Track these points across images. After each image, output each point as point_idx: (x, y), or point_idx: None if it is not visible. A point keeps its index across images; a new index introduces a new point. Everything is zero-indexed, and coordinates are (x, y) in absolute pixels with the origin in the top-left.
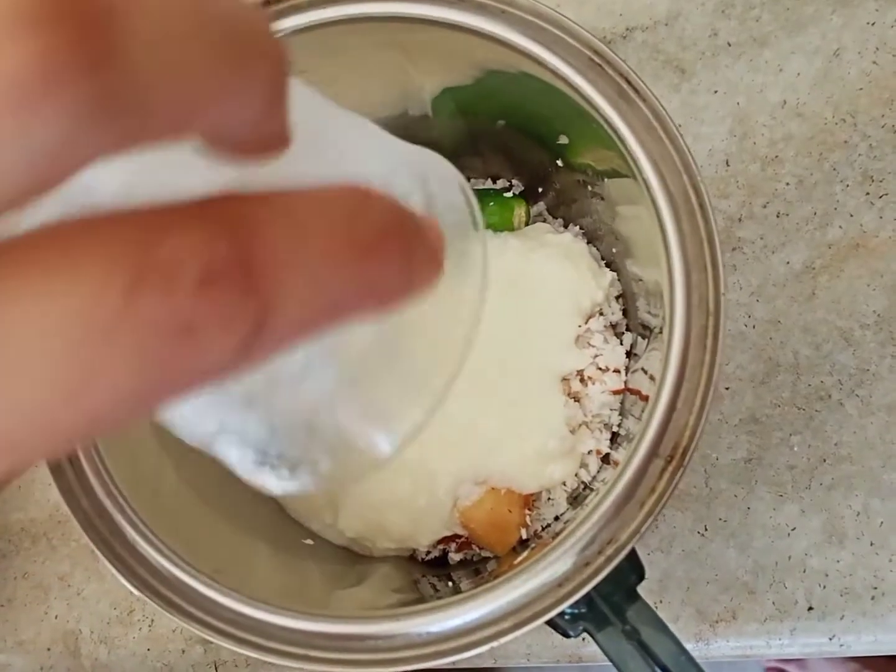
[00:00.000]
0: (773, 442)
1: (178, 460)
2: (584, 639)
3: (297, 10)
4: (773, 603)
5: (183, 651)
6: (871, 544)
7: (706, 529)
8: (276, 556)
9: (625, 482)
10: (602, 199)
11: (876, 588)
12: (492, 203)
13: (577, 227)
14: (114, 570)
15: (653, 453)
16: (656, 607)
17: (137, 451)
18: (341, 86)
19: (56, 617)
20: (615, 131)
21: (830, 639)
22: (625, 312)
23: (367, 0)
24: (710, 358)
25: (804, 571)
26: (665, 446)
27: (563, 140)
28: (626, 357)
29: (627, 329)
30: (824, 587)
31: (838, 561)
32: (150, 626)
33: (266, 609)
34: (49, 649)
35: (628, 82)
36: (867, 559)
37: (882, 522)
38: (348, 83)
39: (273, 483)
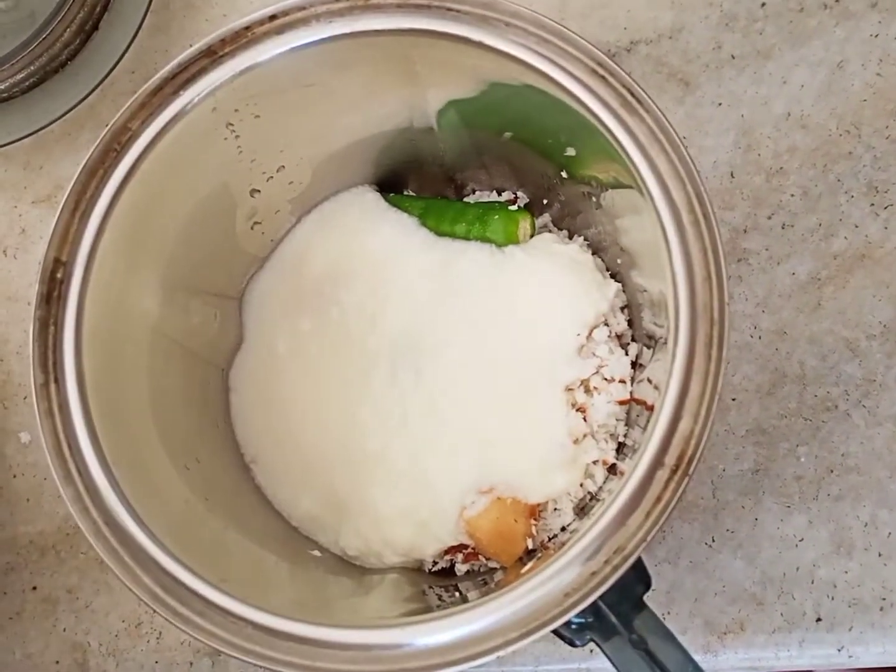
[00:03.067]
0: (780, 453)
1: (188, 471)
2: (591, 650)
3: (303, 23)
4: (782, 614)
5: (191, 664)
6: (880, 555)
7: (714, 541)
8: (283, 565)
9: (630, 491)
10: (606, 210)
11: (884, 599)
12: (497, 216)
13: (582, 238)
14: (122, 578)
15: (658, 462)
16: (664, 619)
17: (147, 461)
18: (348, 99)
19: (64, 630)
20: (618, 142)
21: (839, 650)
22: (630, 323)
23: (371, 15)
24: (714, 367)
25: (812, 582)
26: (670, 455)
27: (570, 152)
28: (632, 367)
29: (633, 339)
30: (832, 598)
31: (846, 572)
32: (158, 638)
33: (273, 617)
34: (57, 662)
35: (632, 93)
36: (875, 570)
37: (890, 533)
38: (355, 96)
39: None
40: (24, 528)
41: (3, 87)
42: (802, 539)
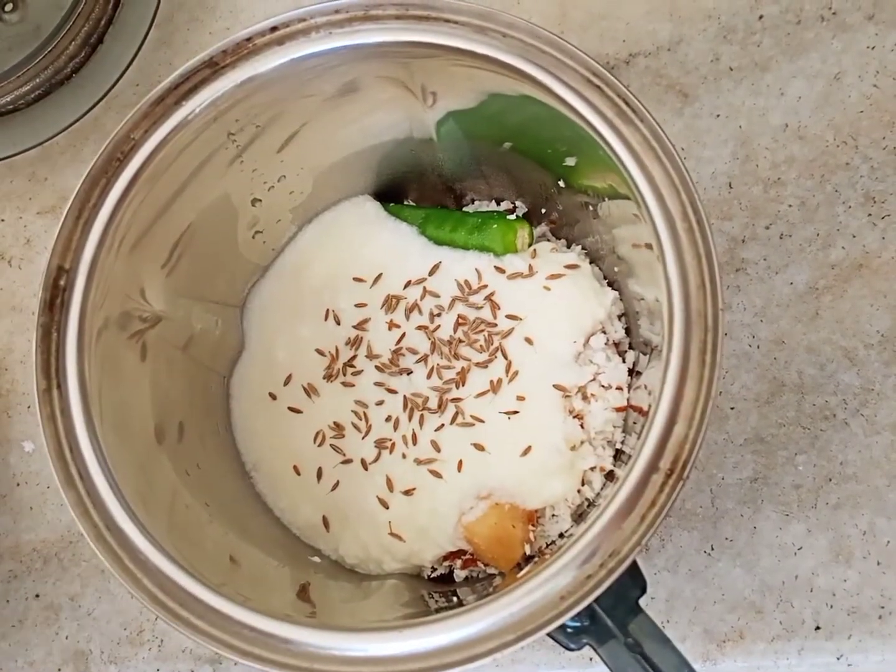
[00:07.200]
0: (779, 461)
1: (188, 476)
2: (590, 658)
3: (304, 35)
4: (781, 622)
5: (192, 671)
6: (878, 563)
7: (713, 549)
8: (284, 570)
9: (625, 495)
10: (603, 219)
11: (883, 607)
12: (495, 225)
13: (580, 247)
14: (122, 582)
15: (653, 467)
16: (664, 627)
17: (148, 466)
18: (348, 110)
19: (66, 637)
20: (613, 151)
21: (838, 658)
22: (627, 331)
23: (371, 27)
24: (709, 373)
25: (811, 591)
26: (665, 460)
27: (569, 162)
28: (629, 375)
29: (630, 347)
30: (831, 606)
31: (845, 580)
32: (159, 646)
33: (272, 620)
34: (59, 670)
35: (626, 103)
36: (874, 578)
37: (888, 541)
38: (354, 107)
39: None
40: (27, 537)
41: (8, 99)
42: (801, 547)
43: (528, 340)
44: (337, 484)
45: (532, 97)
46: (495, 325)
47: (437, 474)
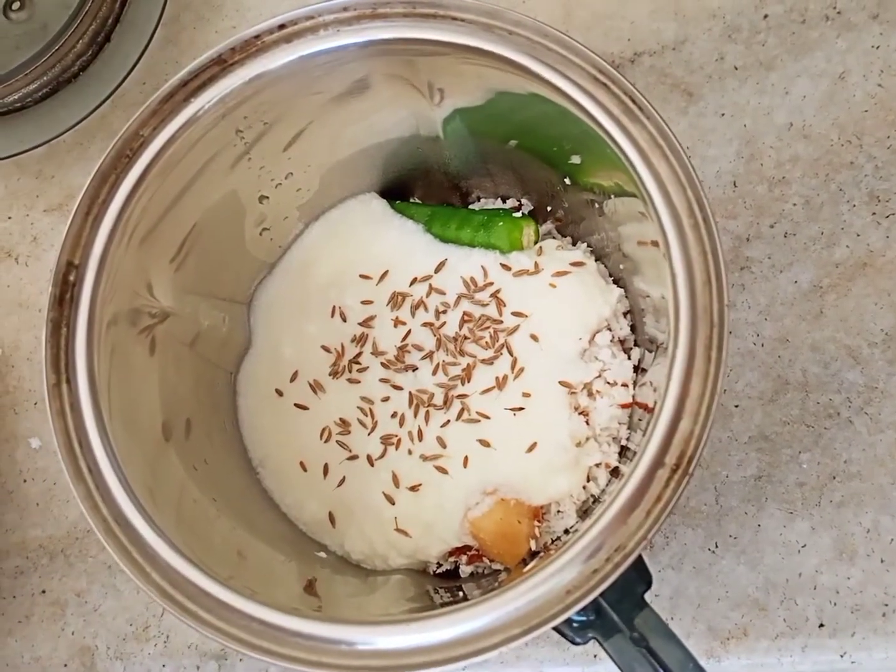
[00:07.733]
0: (783, 459)
1: (196, 471)
2: (595, 655)
3: (312, 32)
4: (784, 620)
5: (198, 667)
6: (882, 561)
7: (717, 546)
8: (291, 565)
9: (631, 490)
10: (609, 217)
11: (887, 605)
12: (501, 223)
13: (585, 244)
14: (131, 575)
15: (658, 462)
16: (668, 624)
17: (156, 461)
18: (355, 107)
19: (72, 633)
20: (620, 148)
21: (842, 656)
22: (633, 328)
23: (379, 24)
24: (714, 368)
25: (815, 588)
26: (671, 455)
27: (575, 160)
28: (634, 372)
29: (636, 344)
30: (835, 604)
31: (849, 578)
32: (165, 641)
33: (279, 613)
34: (65, 666)
35: (633, 100)
36: (878, 576)
37: (892, 539)
38: (362, 104)
39: None
40: (33, 533)
41: (16, 97)
42: (805, 545)
43: (534, 337)
44: (343, 480)
45: (539, 95)
46: (501, 322)
47: (442, 470)
